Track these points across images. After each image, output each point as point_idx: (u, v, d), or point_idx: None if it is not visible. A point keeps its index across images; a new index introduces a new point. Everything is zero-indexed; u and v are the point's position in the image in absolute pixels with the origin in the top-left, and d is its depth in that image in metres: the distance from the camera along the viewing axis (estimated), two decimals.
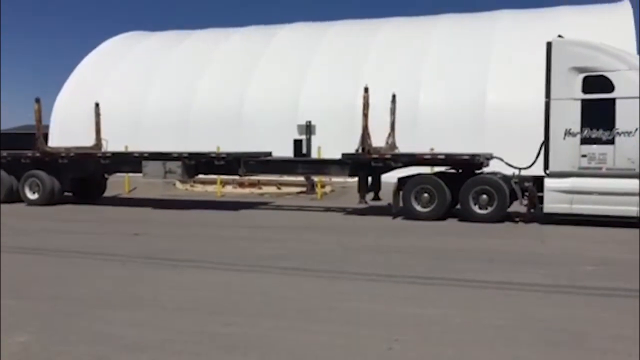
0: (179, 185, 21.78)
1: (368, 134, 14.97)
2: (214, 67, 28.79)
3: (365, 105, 15.02)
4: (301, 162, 16.57)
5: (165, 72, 29.58)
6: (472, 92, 24.18)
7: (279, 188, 20.89)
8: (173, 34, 33.09)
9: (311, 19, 33.75)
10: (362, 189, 15.15)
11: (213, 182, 20.97)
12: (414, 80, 25.04)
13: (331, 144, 18.23)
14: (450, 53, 25.57)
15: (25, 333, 5.49)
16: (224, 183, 21.20)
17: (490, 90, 23.97)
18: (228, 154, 16.17)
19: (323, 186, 20.04)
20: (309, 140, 19.33)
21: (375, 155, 14.92)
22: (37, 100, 17.34)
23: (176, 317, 6.05)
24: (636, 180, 12.42)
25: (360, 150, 15.09)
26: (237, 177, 18.93)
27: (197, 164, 16.09)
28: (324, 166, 16.21)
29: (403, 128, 23.72)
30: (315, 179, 19.49)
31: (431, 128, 23.18)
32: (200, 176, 18.58)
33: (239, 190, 21.15)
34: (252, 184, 21.14)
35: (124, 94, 29.09)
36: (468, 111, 23.77)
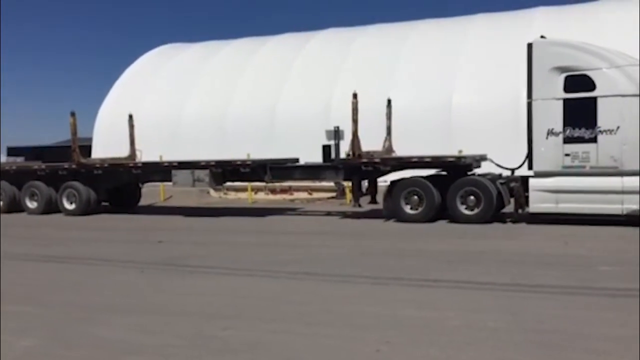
0: (212, 193, 22.12)
1: (358, 139, 15.25)
2: (248, 75, 29.17)
3: (354, 111, 15.30)
4: (298, 168, 16.74)
5: (201, 82, 30.14)
6: (507, 93, 23.78)
7: (310, 194, 20.99)
8: (209, 44, 33.69)
9: (343, 25, 33.67)
10: (355, 192, 15.52)
11: (246, 189, 21.23)
12: (448, 83, 24.81)
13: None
14: (484, 54, 25.21)
15: (31, 338, 5.75)
16: (257, 190, 21.43)
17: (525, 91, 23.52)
18: (253, 161, 16.42)
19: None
20: (337, 146, 19.32)
21: (364, 160, 15.12)
22: (72, 114, 17.93)
23: (179, 322, 6.21)
24: (619, 178, 12.32)
25: (350, 155, 15.33)
26: (269, 184, 19.13)
27: (224, 172, 16.38)
28: (319, 171, 16.38)
29: (437, 131, 23.75)
30: (345, 183, 19.51)
31: (466, 130, 22.93)
32: (234, 184, 18.82)
33: (271, 196, 21.36)
34: (283, 190, 21.29)
35: (163, 104, 29.79)
36: (504, 112, 23.37)
